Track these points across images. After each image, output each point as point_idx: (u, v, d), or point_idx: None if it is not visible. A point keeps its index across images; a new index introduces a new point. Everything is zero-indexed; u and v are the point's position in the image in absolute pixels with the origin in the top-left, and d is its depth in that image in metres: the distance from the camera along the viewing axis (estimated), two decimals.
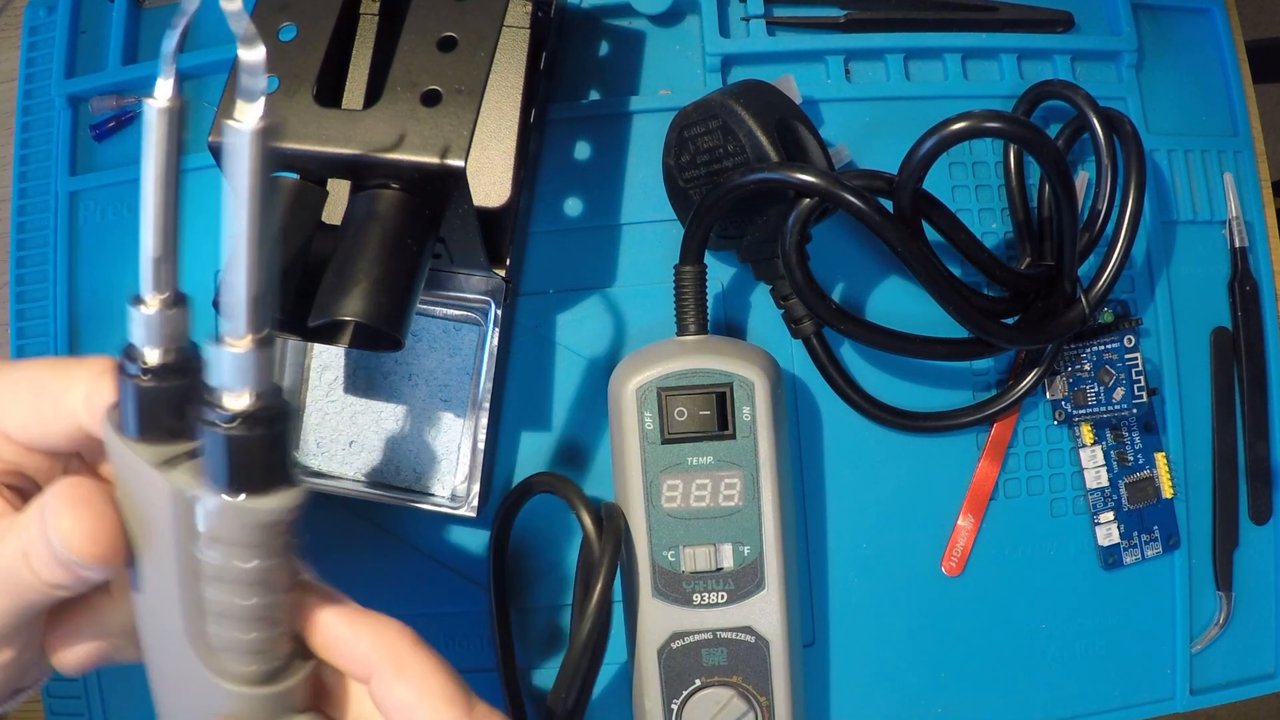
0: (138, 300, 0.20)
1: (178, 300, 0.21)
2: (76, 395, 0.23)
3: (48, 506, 0.21)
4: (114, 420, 0.21)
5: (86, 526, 0.20)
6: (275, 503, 0.20)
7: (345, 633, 0.22)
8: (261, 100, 0.18)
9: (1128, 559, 0.41)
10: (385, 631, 0.23)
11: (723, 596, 0.33)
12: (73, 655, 0.24)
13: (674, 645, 0.34)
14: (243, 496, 0.20)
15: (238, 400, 0.19)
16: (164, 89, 0.19)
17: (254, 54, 0.18)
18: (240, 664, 0.21)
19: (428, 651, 0.23)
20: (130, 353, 0.21)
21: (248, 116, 0.18)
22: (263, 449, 0.20)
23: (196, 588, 0.21)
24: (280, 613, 0.22)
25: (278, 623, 0.22)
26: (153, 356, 0.21)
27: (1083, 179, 0.42)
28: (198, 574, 0.21)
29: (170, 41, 0.19)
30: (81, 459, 0.25)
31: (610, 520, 0.33)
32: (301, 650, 0.23)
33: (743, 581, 0.33)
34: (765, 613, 0.33)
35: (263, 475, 0.20)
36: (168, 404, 0.21)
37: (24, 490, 0.24)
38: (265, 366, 0.19)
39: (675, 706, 0.34)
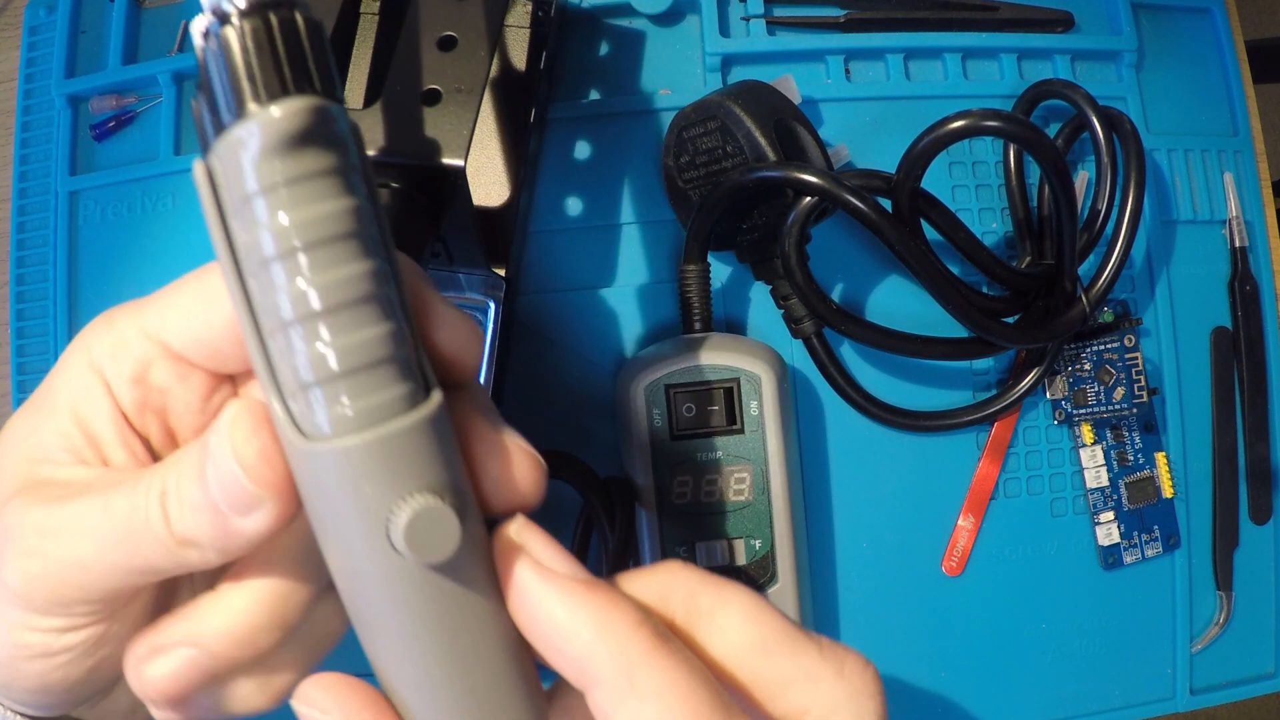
0: None
1: None
2: None
3: (224, 423, 0.17)
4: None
5: (266, 446, 0.16)
6: (296, 104, 0.15)
7: (561, 619, 0.17)
8: None
9: (1128, 559, 0.41)
10: (617, 620, 0.17)
11: None
12: (160, 671, 0.18)
13: None
14: (259, 106, 0.15)
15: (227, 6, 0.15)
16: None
17: None
18: (357, 395, 0.15)
19: (673, 652, 0.17)
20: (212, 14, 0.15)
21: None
22: (265, 51, 0.15)
23: (254, 287, 0.15)
24: (379, 294, 0.16)
25: (385, 314, 0.16)
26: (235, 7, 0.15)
27: (1083, 178, 0.42)
28: (251, 263, 0.15)
29: None
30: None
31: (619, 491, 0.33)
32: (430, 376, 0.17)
33: (756, 575, 0.33)
34: (779, 605, 0.33)
35: (284, 77, 0.15)
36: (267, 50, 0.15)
37: (153, 444, 0.20)
38: None
39: None
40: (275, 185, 0.15)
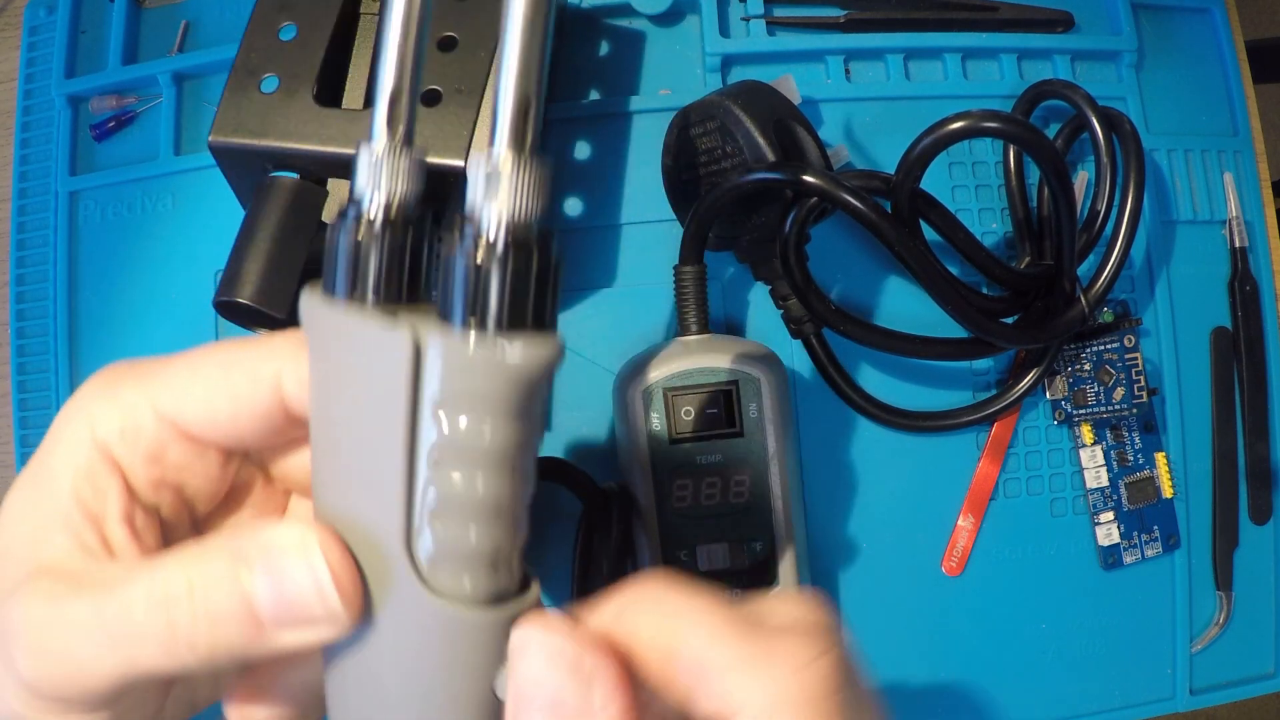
0: (364, 141, 0.18)
1: (409, 140, 0.18)
2: (272, 368, 0.19)
3: (298, 542, 0.17)
4: (310, 291, 0.18)
5: (353, 570, 0.17)
6: (537, 344, 0.16)
7: (716, 662, 0.17)
8: None
9: (1128, 559, 0.41)
10: (779, 671, 0.16)
11: (737, 594, 0.33)
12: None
13: None
14: (496, 335, 0.16)
15: (497, 222, 0.16)
16: None
17: None
18: (475, 577, 0.17)
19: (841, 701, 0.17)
20: (350, 202, 0.18)
21: None
22: (525, 280, 0.16)
23: (422, 473, 0.17)
24: (522, 506, 0.18)
25: (520, 521, 0.18)
26: (376, 204, 0.17)
27: (1082, 179, 0.42)
28: (427, 453, 0.17)
29: None
30: (252, 464, 0.22)
31: (619, 496, 0.33)
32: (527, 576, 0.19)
33: (757, 578, 0.33)
34: None
35: (522, 313, 0.16)
36: (381, 259, 0.17)
37: (164, 512, 0.21)
38: (532, 187, 0.16)
39: None
40: (492, 405, 0.16)
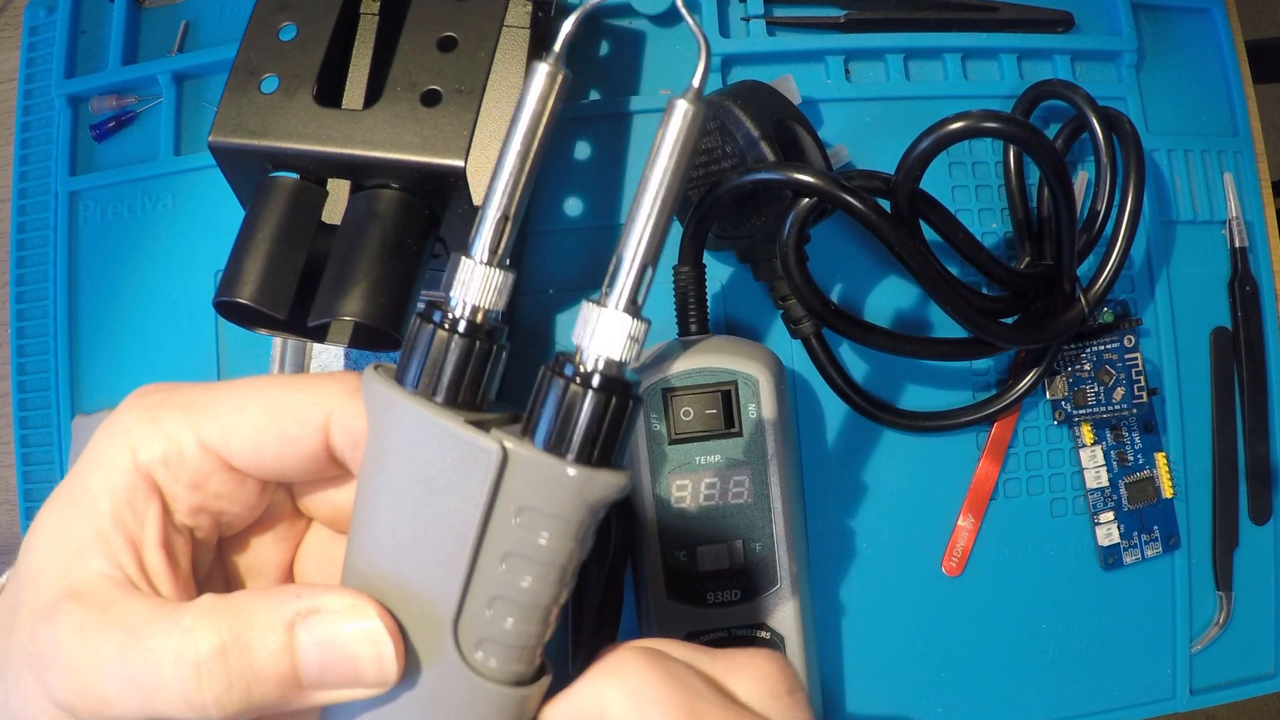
0: (467, 251, 0.19)
1: (505, 266, 0.19)
2: (321, 412, 0.20)
3: (340, 603, 0.18)
4: (382, 378, 0.19)
5: (398, 633, 0.18)
6: (612, 479, 0.18)
7: None
8: (700, 78, 0.19)
9: (1128, 559, 0.41)
10: None
11: (736, 594, 0.33)
12: None
13: None
14: (583, 465, 0.18)
15: (604, 364, 0.18)
16: (554, 54, 0.19)
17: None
18: (504, 661, 0.19)
19: None
20: (438, 302, 0.19)
21: (694, 97, 0.18)
22: (615, 420, 0.18)
23: (483, 566, 0.19)
24: (558, 609, 0.20)
25: (553, 620, 0.20)
26: (460, 309, 0.19)
27: (1082, 179, 0.42)
28: (492, 550, 0.18)
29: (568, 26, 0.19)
30: (286, 496, 0.23)
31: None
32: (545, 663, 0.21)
33: (756, 578, 0.33)
34: (779, 608, 0.33)
35: (606, 447, 0.18)
36: (459, 363, 0.19)
37: (199, 534, 0.21)
38: (638, 340, 0.18)
39: None
40: (560, 523, 0.18)
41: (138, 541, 0.19)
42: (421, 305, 0.20)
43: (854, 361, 0.40)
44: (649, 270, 0.19)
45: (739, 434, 0.33)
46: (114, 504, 0.19)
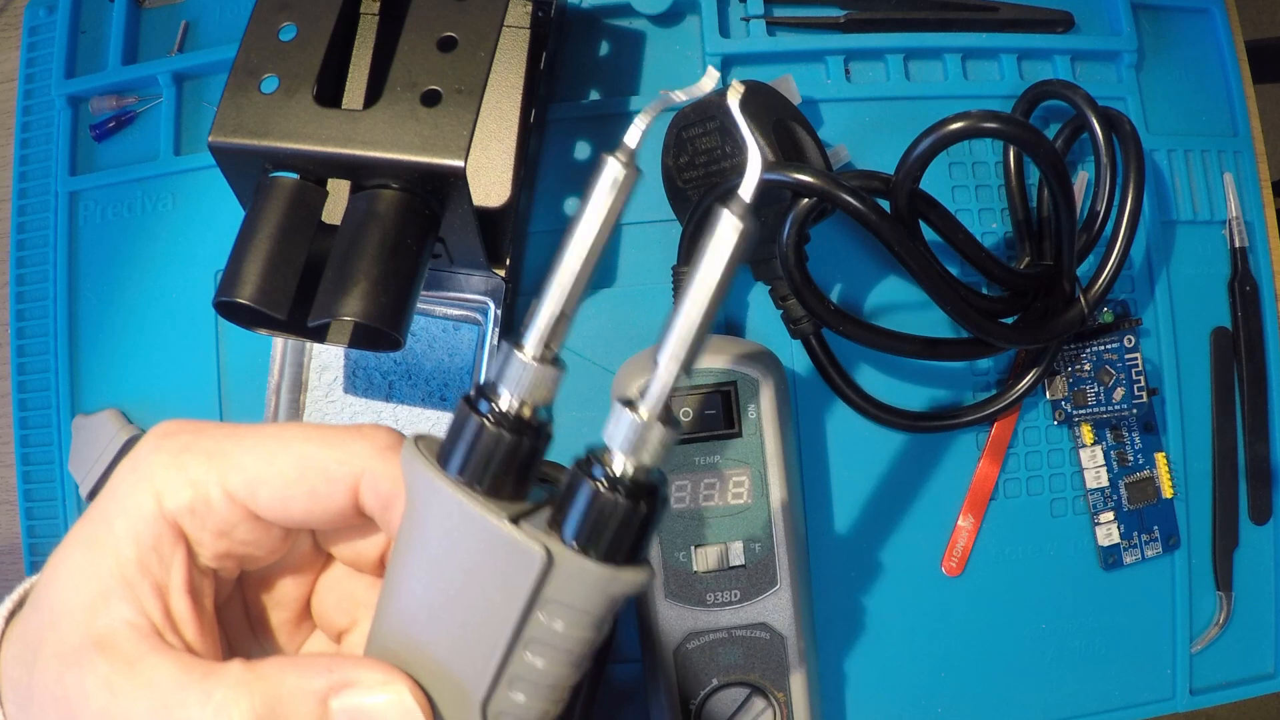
0: (517, 344, 0.19)
1: (556, 362, 0.20)
2: (351, 471, 0.20)
3: (374, 678, 0.19)
4: (425, 455, 0.20)
5: (429, 710, 0.19)
6: (637, 577, 0.19)
7: None
8: (751, 191, 0.18)
9: (1128, 559, 0.41)
10: None
11: (736, 594, 0.33)
12: None
13: (689, 646, 0.34)
14: (611, 564, 0.19)
15: (633, 468, 0.19)
16: (626, 152, 0.20)
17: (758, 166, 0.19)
18: None
19: None
20: (484, 390, 0.19)
21: (743, 212, 0.18)
22: (642, 522, 0.19)
23: (515, 652, 0.20)
24: (571, 688, 0.21)
25: (564, 698, 0.21)
26: (510, 404, 0.19)
27: (1082, 179, 0.42)
28: (516, 636, 0.19)
29: (644, 122, 0.20)
30: (308, 534, 0.23)
31: None
32: None
33: (755, 578, 0.33)
34: (779, 608, 0.34)
35: (632, 547, 0.19)
36: (506, 457, 0.19)
37: (222, 574, 0.21)
38: (666, 447, 0.19)
39: (694, 707, 0.34)
40: (587, 616, 0.19)
41: (163, 588, 0.19)
42: (470, 391, 0.20)
43: (854, 361, 0.40)
44: (684, 384, 0.19)
45: (739, 434, 0.33)
46: (139, 550, 0.19)
